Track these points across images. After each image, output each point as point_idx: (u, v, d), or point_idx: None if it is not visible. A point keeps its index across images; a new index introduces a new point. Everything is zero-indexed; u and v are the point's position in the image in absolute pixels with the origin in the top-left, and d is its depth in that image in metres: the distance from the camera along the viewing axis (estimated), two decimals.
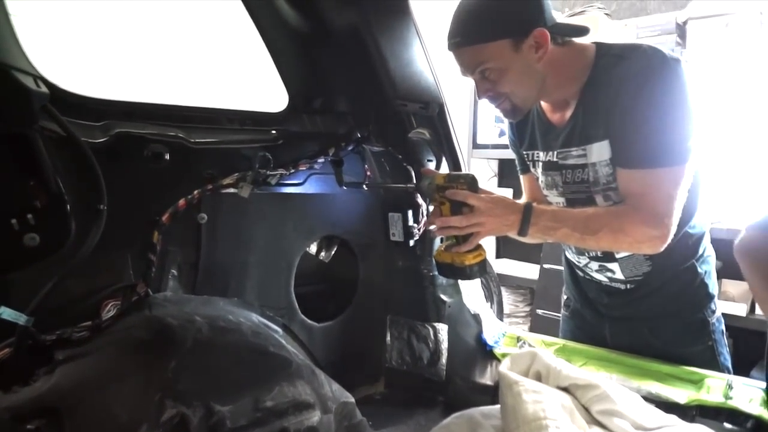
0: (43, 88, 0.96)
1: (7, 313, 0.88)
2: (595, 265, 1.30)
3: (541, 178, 1.31)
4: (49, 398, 0.89)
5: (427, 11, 1.54)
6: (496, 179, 3.44)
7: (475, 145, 3.25)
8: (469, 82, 1.18)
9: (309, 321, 1.34)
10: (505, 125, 1.41)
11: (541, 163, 1.30)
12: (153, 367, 0.95)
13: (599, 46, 1.18)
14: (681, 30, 2.43)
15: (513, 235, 1.14)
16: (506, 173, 3.41)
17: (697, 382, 1.17)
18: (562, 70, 1.16)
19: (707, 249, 1.29)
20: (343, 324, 1.41)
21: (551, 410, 0.81)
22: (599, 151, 1.16)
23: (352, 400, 1.15)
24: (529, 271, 3.02)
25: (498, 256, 3.43)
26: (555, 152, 1.25)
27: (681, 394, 1.12)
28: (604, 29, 2.65)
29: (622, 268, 1.25)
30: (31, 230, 0.93)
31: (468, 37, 1.11)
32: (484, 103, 1.21)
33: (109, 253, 1.03)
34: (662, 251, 1.14)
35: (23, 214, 0.92)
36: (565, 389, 0.90)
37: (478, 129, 3.23)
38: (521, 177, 1.47)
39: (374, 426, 1.19)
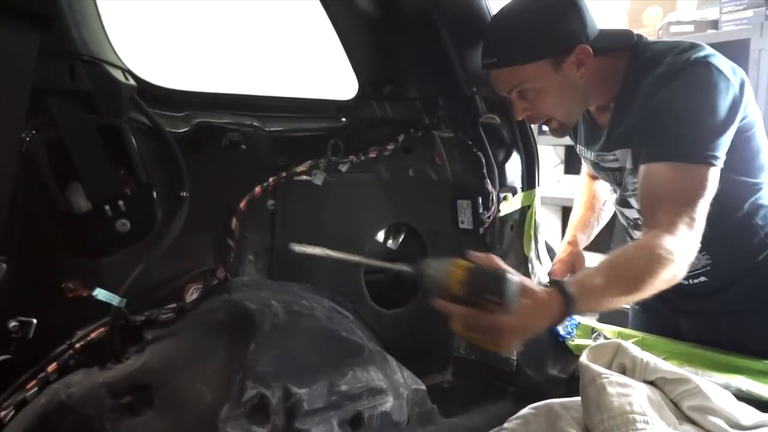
0: (131, 81, 1.01)
1: (102, 294, 0.93)
2: None
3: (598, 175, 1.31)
4: (140, 375, 0.94)
5: None
6: (562, 166, 3.34)
7: (541, 131, 3.13)
8: None
9: (378, 308, 1.35)
10: None
11: (590, 162, 1.29)
12: (234, 349, 0.99)
13: (635, 47, 1.10)
14: None
15: None
16: (573, 160, 3.29)
17: None
18: (604, 78, 1.10)
19: None
20: (411, 311, 1.40)
21: (639, 404, 0.77)
22: (623, 158, 1.13)
23: (423, 387, 1.14)
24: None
25: None
26: (594, 154, 1.22)
27: None
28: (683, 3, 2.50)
29: None
30: (123, 216, 0.98)
31: (504, 58, 1.06)
32: None
33: (191, 239, 1.07)
34: (718, 242, 1.06)
35: (115, 201, 0.97)
36: (652, 383, 0.86)
37: None
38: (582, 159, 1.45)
39: (444, 414, 1.19)
